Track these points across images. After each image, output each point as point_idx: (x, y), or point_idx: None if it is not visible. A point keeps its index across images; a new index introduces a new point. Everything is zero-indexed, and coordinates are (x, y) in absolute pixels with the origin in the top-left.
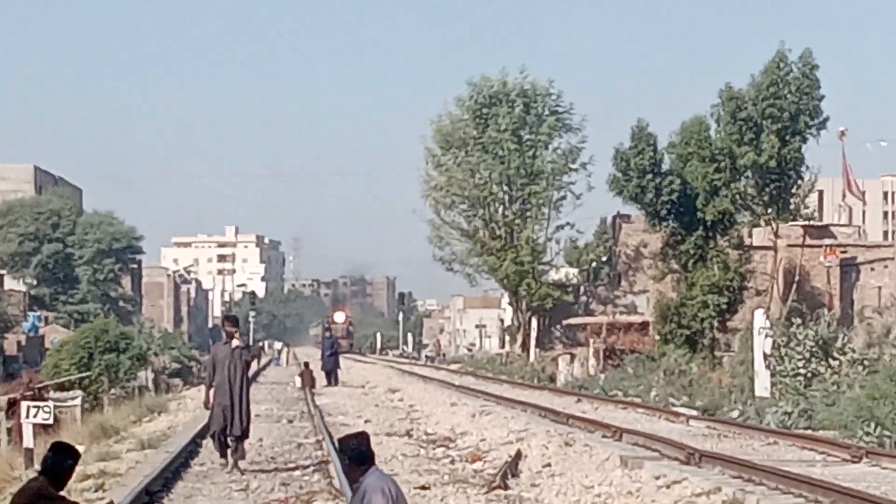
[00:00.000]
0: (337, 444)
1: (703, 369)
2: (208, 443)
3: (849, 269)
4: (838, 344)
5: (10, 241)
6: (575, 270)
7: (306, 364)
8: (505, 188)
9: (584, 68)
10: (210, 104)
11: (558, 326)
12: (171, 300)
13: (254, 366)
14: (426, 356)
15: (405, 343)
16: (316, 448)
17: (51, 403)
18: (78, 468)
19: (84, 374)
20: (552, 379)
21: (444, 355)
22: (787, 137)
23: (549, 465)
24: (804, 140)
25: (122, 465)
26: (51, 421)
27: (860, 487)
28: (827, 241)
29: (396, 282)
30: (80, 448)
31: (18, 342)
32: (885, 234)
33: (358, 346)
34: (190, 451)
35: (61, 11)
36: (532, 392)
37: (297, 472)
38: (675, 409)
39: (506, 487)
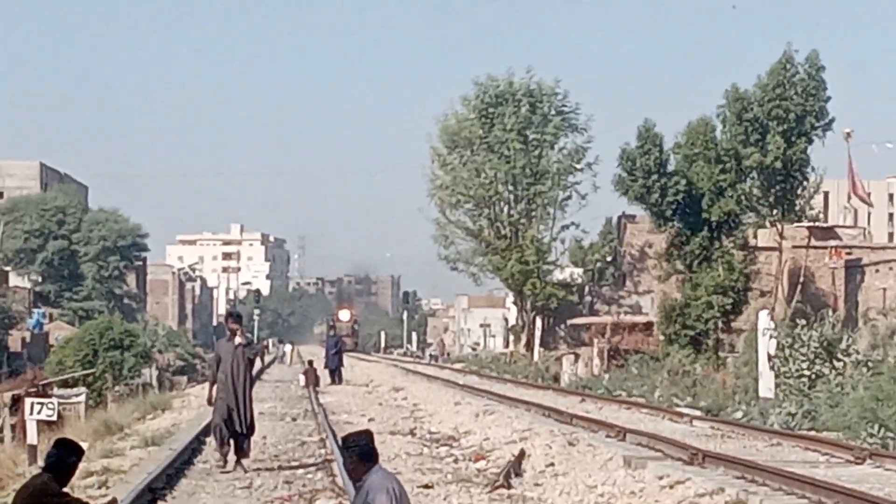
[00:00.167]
0: (341, 442)
1: (707, 370)
2: (212, 440)
3: (854, 270)
4: (843, 345)
5: (16, 238)
6: (580, 270)
7: (310, 362)
8: (510, 188)
9: (590, 68)
10: (216, 102)
11: (563, 326)
12: (176, 298)
13: (257, 363)
14: (430, 355)
15: (409, 342)
16: (319, 446)
17: (55, 400)
18: (81, 465)
19: (88, 371)
20: (556, 379)
21: (448, 354)
22: (793, 138)
23: (552, 464)
24: (810, 141)
25: (125, 462)
26: (55, 418)
27: (864, 489)
28: (832, 243)
29: (401, 280)
30: (84, 445)
31: (23, 339)
32: (891, 235)
33: (362, 345)
34: (193, 449)
35: (66, 9)
36: (536, 392)
37: (301, 471)
38: (678, 409)
39: (509, 487)
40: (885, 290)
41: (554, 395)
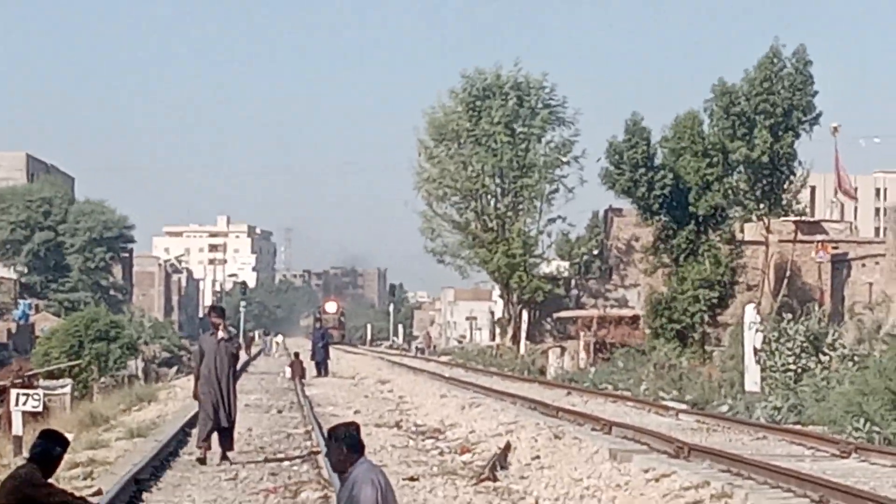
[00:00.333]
0: (328, 434)
1: (694, 363)
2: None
3: (840, 264)
4: (829, 339)
5: (2, 229)
6: (566, 264)
7: (296, 354)
8: (497, 181)
9: (578, 62)
10: (203, 94)
11: (549, 319)
12: (162, 289)
13: (242, 356)
14: (416, 348)
15: (395, 334)
16: (305, 438)
17: (40, 391)
18: (67, 456)
19: (74, 363)
20: (542, 372)
21: (434, 347)
22: (780, 133)
23: (538, 457)
24: (797, 136)
25: (110, 454)
26: (40, 409)
27: (849, 482)
28: (818, 237)
29: (387, 273)
30: (69, 436)
31: (9, 330)
32: (877, 230)
33: (349, 338)
34: (179, 440)
35: (53, 1)
36: (522, 385)
37: (286, 463)
38: (664, 402)
39: (494, 479)
40: (871, 284)
41: (540, 388)
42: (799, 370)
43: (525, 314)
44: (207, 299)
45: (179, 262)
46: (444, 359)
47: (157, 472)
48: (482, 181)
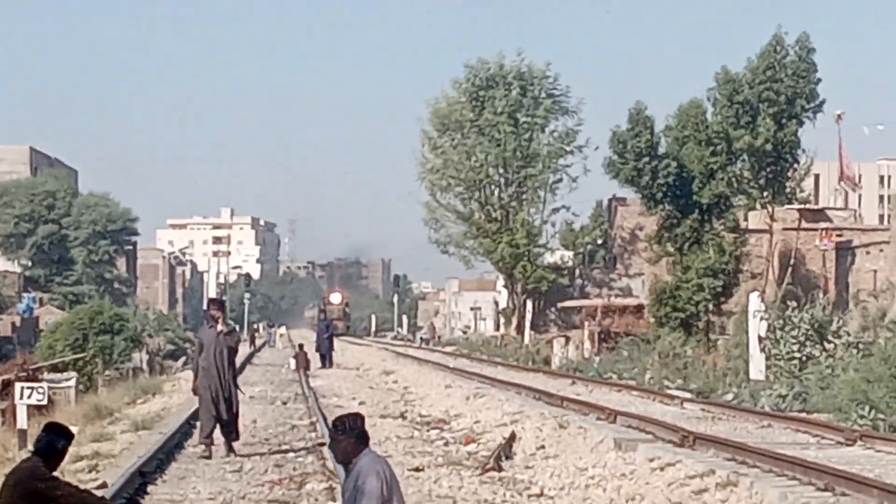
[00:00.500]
0: (333, 425)
1: (698, 352)
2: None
3: (844, 252)
4: (833, 327)
5: (6, 223)
6: (570, 253)
7: (300, 346)
8: (501, 171)
9: (581, 51)
10: (206, 87)
11: (553, 309)
12: (166, 282)
13: (246, 349)
14: (421, 338)
15: (400, 325)
16: (310, 430)
17: (45, 385)
18: (71, 449)
19: (78, 356)
20: (547, 361)
21: (438, 338)
22: (784, 121)
23: (543, 447)
24: (800, 123)
25: (115, 447)
26: (45, 402)
27: (854, 470)
28: (823, 225)
29: (392, 264)
30: (74, 429)
31: (13, 323)
32: (881, 217)
33: (354, 328)
34: (184, 433)
35: None
36: (527, 374)
37: (291, 454)
38: (669, 391)
39: (500, 469)
40: (875, 271)
41: (544, 378)
42: (804, 358)
43: (529, 304)
44: (212, 291)
45: (183, 254)
46: (448, 349)
47: (162, 465)
48: (486, 171)
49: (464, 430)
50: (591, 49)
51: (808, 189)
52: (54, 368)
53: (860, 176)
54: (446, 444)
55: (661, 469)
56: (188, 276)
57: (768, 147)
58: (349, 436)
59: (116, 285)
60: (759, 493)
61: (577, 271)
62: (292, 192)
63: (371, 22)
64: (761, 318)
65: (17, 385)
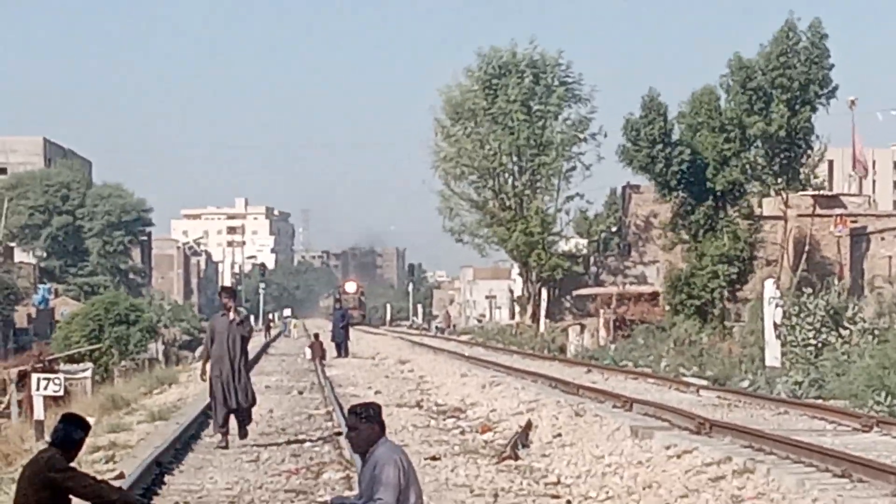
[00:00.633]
0: (356, 413)
1: (714, 339)
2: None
3: (859, 238)
4: (849, 313)
5: (20, 214)
6: (585, 241)
7: (316, 335)
8: (514, 159)
9: (593, 39)
10: (220, 76)
11: (568, 297)
12: (181, 272)
13: (261, 339)
14: (436, 327)
15: (415, 314)
16: (326, 419)
17: (61, 376)
18: (88, 440)
19: (94, 347)
20: (562, 350)
21: (454, 326)
22: (797, 107)
23: (559, 435)
24: (814, 109)
25: (132, 437)
26: (61, 393)
27: (871, 456)
28: (837, 211)
29: (406, 253)
30: (91, 420)
31: (29, 315)
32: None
33: (369, 318)
34: (200, 423)
35: None
36: (542, 363)
37: (308, 444)
38: (685, 379)
39: (516, 458)
40: (890, 257)
41: (560, 366)
42: (819, 345)
43: (544, 292)
44: (226, 282)
45: (198, 244)
46: (463, 338)
47: (178, 455)
48: (499, 160)
49: (480, 419)
50: (604, 37)
51: (823, 175)
52: (70, 359)
53: (874, 162)
54: (462, 432)
55: (678, 457)
56: (203, 266)
57: (782, 133)
58: (368, 425)
59: (131, 276)
60: (775, 480)
61: (592, 259)
62: (306, 182)
63: (384, 10)
64: (776, 305)
65: (34, 376)
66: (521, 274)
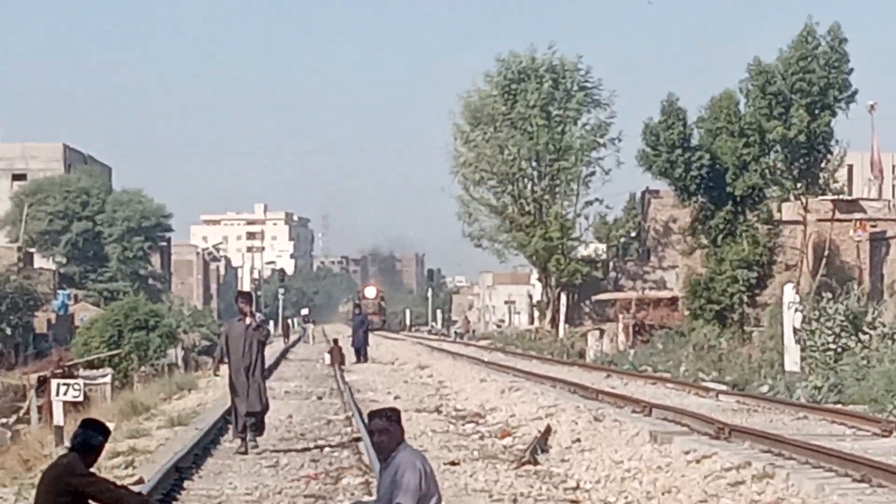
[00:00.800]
0: (368, 419)
1: (733, 344)
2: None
3: (879, 243)
4: (868, 318)
5: (40, 220)
6: (604, 246)
7: (335, 341)
8: (534, 164)
9: (612, 43)
10: (239, 82)
11: (587, 302)
12: (201, 278)
13: (280, 345)
14: (455, 332)
15: (434, 320)
16: (345, 425)
17: (81, 381)
18: (108, 445)
19: (114, 352)
20: (581, 355)
21: (473, 332)
22: (817, 111)
23: (578, 440)
24: (833, 114)
25: (151, 443)
26: (81, 398)
27: (891, 461)
28: (857, 216)
29: (425, 258)
30: (110, 425)
31: (48, 320)
32: None
33: (389, 323)
34: (220, 429)
35: None
36: (561, 368)
37: (327, 449)
38: (704, 384)
39: (535, 463)
40: None
41: (579, 371)
42: (839, 349)
43: (563, 297)
44: (246, 287)
45: (217, 250)
46: (483, 343)
47: (198, 460)
48: (518, 165)
49: (499, 424)
50: (624, 41)
51: (842, 180)
52: (90, 365)
53: (894, 166)
54: (482, 437)
55: (697, 461)
56: (222, 271)
57: (801, 138)
58: (389, 430)
59: (151, 281)
60: (795, 485)
61: (611, 264)
62: (326, 188)
63: (402, 14)
64: (796, 310)
65: (54, 382)
66: (540, 279)
